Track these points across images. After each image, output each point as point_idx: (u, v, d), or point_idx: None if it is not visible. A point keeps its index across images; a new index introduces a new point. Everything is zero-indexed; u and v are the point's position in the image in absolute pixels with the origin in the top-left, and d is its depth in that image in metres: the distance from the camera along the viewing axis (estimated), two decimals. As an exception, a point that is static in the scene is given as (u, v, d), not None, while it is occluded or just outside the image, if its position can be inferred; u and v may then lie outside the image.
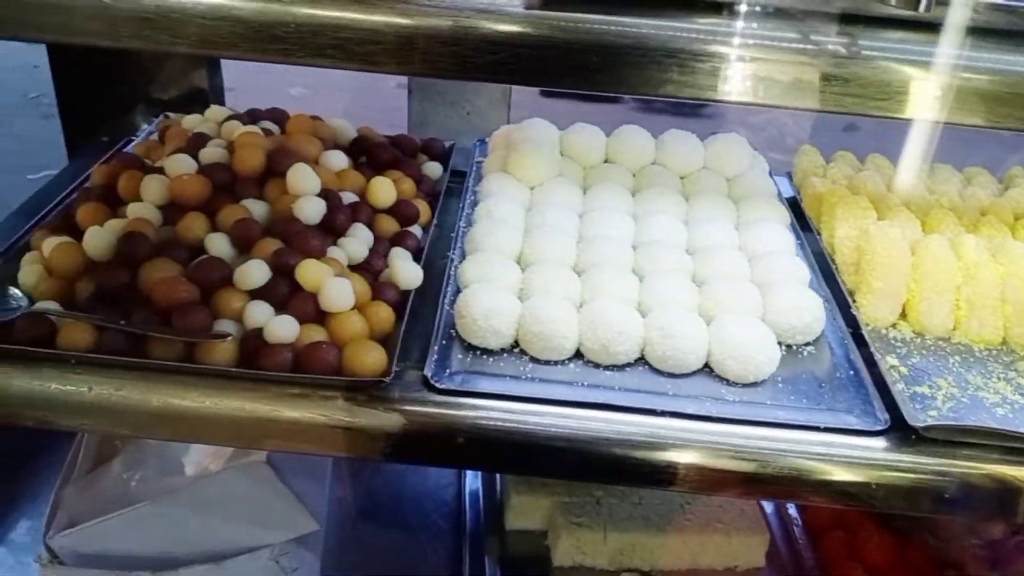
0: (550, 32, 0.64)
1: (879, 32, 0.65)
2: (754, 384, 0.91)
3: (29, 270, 0.91)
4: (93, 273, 0.89)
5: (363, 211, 1.01)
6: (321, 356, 0.83)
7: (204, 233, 0.93)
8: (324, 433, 0.83)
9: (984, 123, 0.65)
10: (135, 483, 1.07)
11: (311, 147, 1.06)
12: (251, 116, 1.16)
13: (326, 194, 0.98)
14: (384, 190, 1.04)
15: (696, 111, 2.99)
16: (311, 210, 0.95)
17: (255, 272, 0.87)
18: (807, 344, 0.98)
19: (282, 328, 0.84)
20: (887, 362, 0.94)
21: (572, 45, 0.63)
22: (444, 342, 0.92)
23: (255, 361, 0.83)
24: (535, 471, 0.93)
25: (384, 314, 0.90)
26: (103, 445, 1.12)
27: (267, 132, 1.09)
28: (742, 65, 0.64)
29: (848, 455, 0.84)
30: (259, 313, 0.86)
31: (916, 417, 0.85)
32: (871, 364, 0.94)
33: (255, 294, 0.87)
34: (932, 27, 0.65)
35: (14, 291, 0.89)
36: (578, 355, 0.93)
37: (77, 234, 0.95)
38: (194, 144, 1.05)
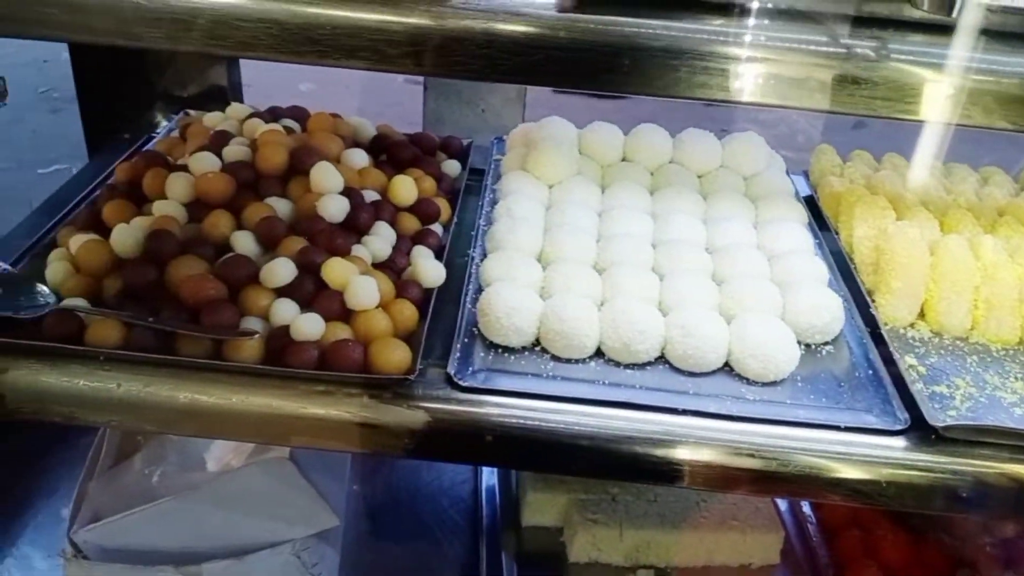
0: (582, 35, 0.65)
1: (907, 35, 0.66)
2: (774, 383, 0.92)
3: (56, 267, 0.92)
4: (120, 270, 0.89)
5: (386, 209, 1.02)
6: (347, 354, 0.83)
7: (229, 231, 0.93)
8: (349, 430, 0.84)
9: (1011, 127, 0.66)
10: (157, 478, 1.08)
11: (333, 145, 1.07)
12: (272, 114, 1.16)
13: (349, 192, 0.99)
14: (406, 188, 1.05)
15: (707, 106, 2.99)
16: (335, 208, 0.96)
17: (281, 270, 0.88)
18: (826, 343, 0.99)
19: (308, 326, 0.84)
20: (906, 361, 0.94)
21: (605, 48, 0.64)
22: (466, 340, 0.93)
23: (282, 358, 0.84)
24: (558, 469, 0.93)
25: (408, 312, 0.90)
26: (125, 440, 1.13)
27: (288, 130, 1.10)
28: (773, 69, 0.64)
29: (868, 454, 0.84)
30: (285, 311, 0.86)
31: (935, 417, 0.85)
32: (889, 363, 0.94)
33: (281, 292, 0.88)
34: (956, 30, 0.66)
35: (41, 288, 0.90)
36: (598, 353, 0.94)
37: (103, 231, 0.96)
38: (217, 142, 1.06)
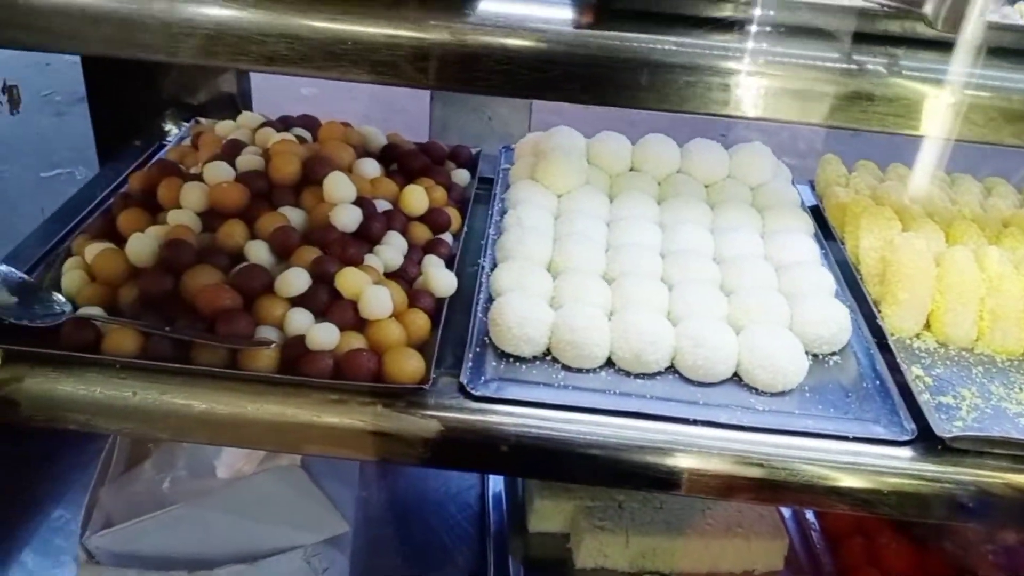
0: (600, 51, 0.66)
1: (919, 53, 0.67)
2: (782, 393, 0.93)
3: (71, 276, 0.93)
4: (136, 279, 0.90)
5: (397, 219, 1.03)
6: (362, 363, 0.84)
7: (244, 240, 0.94)
8: (363, 438, 0.85)
9: (1021, 143, 0.67)
10: (167, 485, 1.08)
11: (345, 155, 1.08)
12: (283, 123, 1.17)
13: (361, 202, 1.00)
14: (417, 198, 1.06)
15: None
16: (348, 218, 0.97)
17: (296, 280, 0.89)
18: (833, 354, 1.00)
19: (324, 335, 0.85)
20: (912, 372, 0.95)
21: (622, 64, 0.65)
22: (478, 349, 0.93)
23: (297, 367, 0.84)
24: (571, 478, 0.94)
25: (421, 321, 0.91)
26: (135, 446, 1.13)
27: (300, 139, 1.11)
28: (788, 84, 0.65)
29: (877, 464, 0.85)
30: (300, 320, 0.87)
31: (942, 428, 0.86)
32: (895, 374, 0.95)
33: (295, 301, 0.89)
34: (968, 49, 0.67)
35: (57, 296, 0.91)
36: (609, 363, 0.94)
37: (117, 239, 0.97)
38: (229, 151, 1.06)
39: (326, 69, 0.66)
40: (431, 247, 1.04)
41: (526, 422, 0.85)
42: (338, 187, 0.98)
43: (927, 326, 1.04)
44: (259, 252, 0.94)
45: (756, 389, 0.93)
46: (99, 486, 1.09)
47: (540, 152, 1.22)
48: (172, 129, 1.35)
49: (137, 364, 0.85)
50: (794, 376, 0.93)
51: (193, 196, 0.97)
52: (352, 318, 0.88)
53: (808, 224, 1.17)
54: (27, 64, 3.36)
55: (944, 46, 0.66)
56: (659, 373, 0.94)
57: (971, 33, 0.59)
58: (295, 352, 0.85)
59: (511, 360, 0.93)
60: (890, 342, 0.99)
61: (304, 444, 0.86)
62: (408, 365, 0.85)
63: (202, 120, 1.29)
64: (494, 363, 0.92)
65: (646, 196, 1.19)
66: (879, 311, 1.04)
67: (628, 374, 0.93)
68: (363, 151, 1.14)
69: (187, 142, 1.22)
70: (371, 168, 1.09)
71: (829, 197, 1.24)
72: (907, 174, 1.29)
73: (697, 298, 1.00)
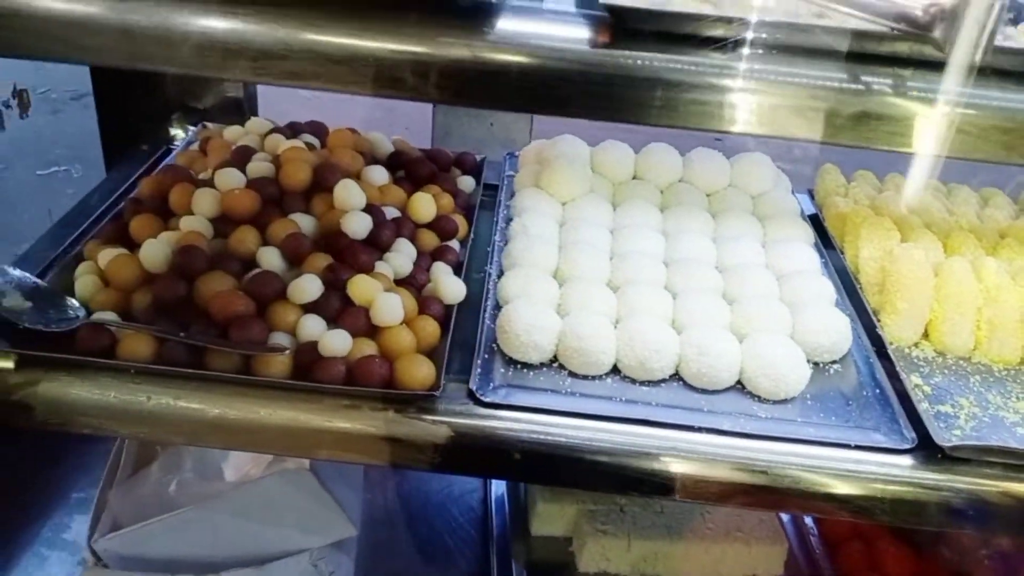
0: (616, 70, 0.67)
1: (927, 75, 0.69)
2: (784, 401, 0.94)
3: (85, 281, 0.94)
4: (149, 285, 0.91)
5: (406, 226, 1.04)
6: (374, 370, 0.85)
7: (256, 247, 0.95)
8: (374, 444, 0.86)
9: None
10: (174, 487, 1.09)
11: (354, 162, 1.09)
12: (292, 129, 1.18)
13: (371, 209, 1.01)
14: (425, 205, 1.07)
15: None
16: (358, 225, 0.98)
17: (309, 286, 0.90)
18: (833, 362, 1.02)
19: (336, 342, 0.87)
20: (911, 381, 0.97)
21: (638, 82, 0.67)
22: (486, 356, 0.95)
23: (310, 374, 0.86)
24: (578, 483, 0.96)
25: (431, 328, 0.93)
26: (142, 448, 1.14)
27: (309, 146, 1.12)
28: (798, 103, 0.67)
29: (877, 472, 0.87)
30: (313, 327, 0.88)
31: (942, 436, 0.88)
32: (894, 381, 0.97)
33: (308, 308, 0.90)
34: (977, 71, 0.68)
35: (71, 301, 0.91)
36: (614, 370, 0.96)
37: (129, 244, 0.98)
38: (239, 157, 1.07)
39: (348, 85, 0.67)
40: (439, 254, 1.05)
41: (535, 428, 0.87)
42: (349, 194, 0.99)
43: (925, 335, 1.05)
44: (271, 258, 0.95)
45: (759, 397, 0.94)
46: (107, 488, 1.09)
47: (544, 160, 1.23)
48: (178, 133, 1.36)
49: (151, 369, 0.86)
50: (796, 384, 0.94)
51: (205, 202, 0.98)
52: (364, 325, 0.90)
53: (808, 233, 1.19)
54: (23, 62, 3.35)
55: (952, 67, 0.67)
56: (664, 380, 0.95)
57: (980, 57, 0.61)
58: (308, 358, 0.86)
59: (519, 367, 0.95)
60: (889, 351, 1.01)
61: (316, 449, 0.87)
62: (419, 372, 0.86)
63: (209, 125, 1.30)
64: (502, 369, 0.94)
65: (649, 204, 1.21)
66: (878, 320, 1.05)
67: (634, 381, 0.95)
68: (371, 158, 1.15)
69: (195, 147, 1.23)
70: (380, 175, 1.10)
71: (829, 207, 1.26)
72: (903, 183, 1.31)
73: (700, 306, 1.01)
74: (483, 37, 0.68)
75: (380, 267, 0.96)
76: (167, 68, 0.67)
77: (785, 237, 1.16)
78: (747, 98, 0.68)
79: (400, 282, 0.98)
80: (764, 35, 0.68)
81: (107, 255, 0.94)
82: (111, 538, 1.03)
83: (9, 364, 0.85)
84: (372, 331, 0.90)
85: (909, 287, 1.03)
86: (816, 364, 1.00)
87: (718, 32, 0.68)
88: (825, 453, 0.88)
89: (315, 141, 1.15)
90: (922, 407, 0.92)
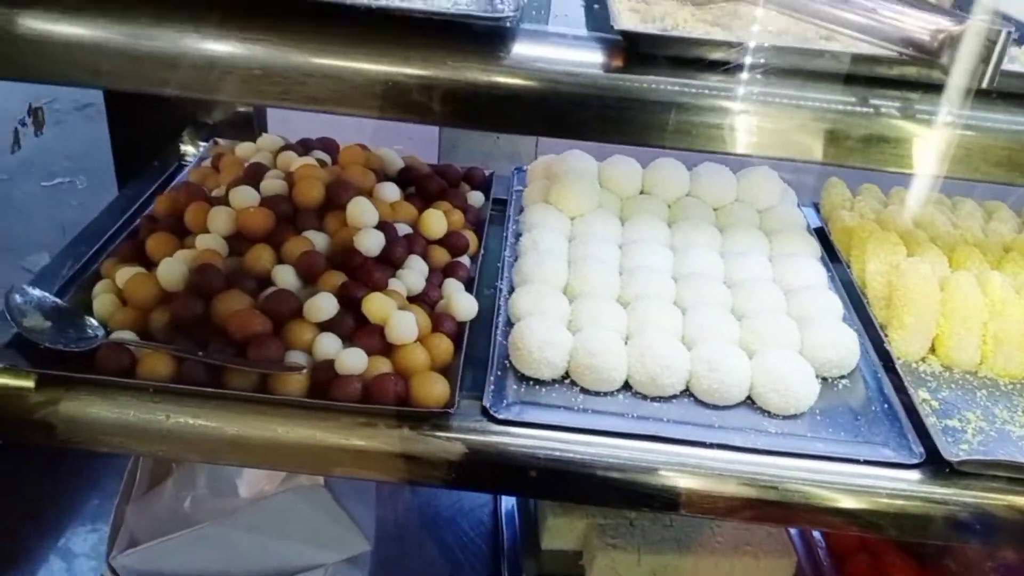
0: (629, 93, 0.68)
1: (935, 98, 0.70)
2: (794, 416, 0.95)
3: (103, 300, 0.95)
4: (167, 303, 0.92)
5: (418, 243, 1.05)
6: (389, 387, 0.86)
7: (271, 264, 0.96)
8: (390, 461, 0.87)
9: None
10: (188, 504, 1.10)
11: (365, 178, 1.10)
12: (304, 146, 1.19)
13: (383, 226, 1.02)
14: (436, 222, 1.08)
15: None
16: (371, 243, 0.99)
17: (325, 305, 0.91)
18: (842, 377, 1.02)
19: (352, 360, 0.88)
20: (919, 395, 0.98)
21: (651, 106, 0.68)
22: (499, 372, 0.96)
23: (327, 392, 0.87)
24: (591, 499, 0.97)
25: (444, 345, 0.94)
26: (157, 465, 1.15)
27: (321, 163, 1.13)
28: (810, 126, 0.68)
29: (887, 487, 0.88)
30: (329, 345, 0.89)
31: (950, 451, 0.89)
32: (902, 397, 0.98)
33: (323, 326, 0.91)
34: (983, 95, 0.70)
35: (90, 320, 0.92)
36: (626, 386, 0.97)
37: (145, 262, 0.99)
38: (252, 175, 1.08)
39: (365, 108, 0.68)
40: (450, 270, 1.06)
41: (549, 445, 0.88)
42: (362, 212, 1.00)
43: (932, 350, 1.06)
44: (286, 277, 0.96)
45: (769, 412, 0.95)
46: (124, 504, 1.10)
47: (553, 175, 1.24)
48: (189, 148, 1.37)
49: (170, 388, 0.87)
50: (806, 400, 0.95)
51: (220, 220, 0.99)
52: (379, 343, 0.91)
53: (815, 248, 1.20)
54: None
55: (959, 92, 0.69)
56: (675, 396, 0.96)
57: (987, 83, 0.62)
58: (324, 376, 0.87)
59: (531, 383, 0.96)
60: (897, 366, 1.02)
61: (333, 467, 0.88)
62: (434, 389, 0.87)
63: (220, 141, 1.31)
64: (515, 386, 0.95)
65: (657, 219, 1.22)
66: (886, 335, 1.06)
67: (645, 397, 0.96)
68: (382, 174, 1.16)
69: (207, 163, 1.24)
70: (391, 192, 1.11)
71: (835, 221, 1.27)
72: (910, 198, 1.32)
73: (710, 322, 1.02)
74: (499, 62, 0.69)
75: (393, 284, 0.97)
76: (186, 92, 0.68)
77: (792, 251, 1.17)
78: (758, 121, 0.69)
79: (413, 299, 0.99)
80: (774, 59, 0.69)
81: (124, 274, 0.95)
82: (129, 555, 1.04)
83: (30, 384, 0.86)
84: (387, 349, 0.91)
85: (916, 301, 1.04)
86: (825, 379, 1.01)
87: (729, 56, 0.70)
88: (835, 468, 0.89)
89: (327, 158, 1.16)
90: (930, 421, 0.93)
